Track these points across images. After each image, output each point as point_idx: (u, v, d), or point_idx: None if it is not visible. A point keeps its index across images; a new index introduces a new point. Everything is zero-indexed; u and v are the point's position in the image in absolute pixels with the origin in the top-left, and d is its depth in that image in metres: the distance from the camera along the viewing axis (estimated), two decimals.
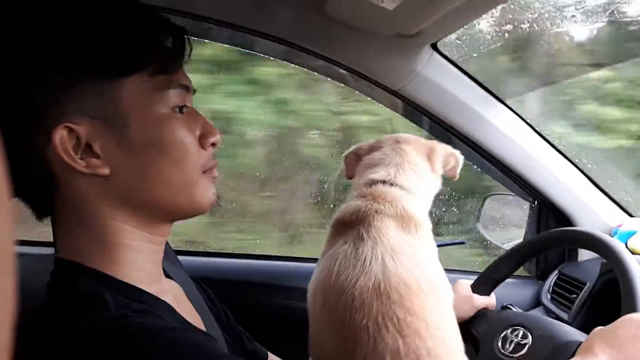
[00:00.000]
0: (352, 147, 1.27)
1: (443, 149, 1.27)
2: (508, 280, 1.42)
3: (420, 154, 1.21)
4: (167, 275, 0.96)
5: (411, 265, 0.95)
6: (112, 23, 0.76)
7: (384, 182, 1.12)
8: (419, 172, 1.18)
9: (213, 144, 0.87)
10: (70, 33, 0.73)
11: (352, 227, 1.03)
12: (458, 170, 1.29)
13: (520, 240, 1.91)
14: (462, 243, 1.77)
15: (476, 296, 1.34)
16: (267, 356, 1.22)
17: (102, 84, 0.75)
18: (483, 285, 1.37)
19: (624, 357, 0.88)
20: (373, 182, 1.12)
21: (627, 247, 1.60)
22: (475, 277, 1.43)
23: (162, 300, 0.81)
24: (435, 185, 1.24)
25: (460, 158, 1.29)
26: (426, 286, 0.93)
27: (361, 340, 0.84)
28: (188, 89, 0.85)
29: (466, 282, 1.39)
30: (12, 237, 0.27)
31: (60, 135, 0.72)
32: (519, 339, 1.17)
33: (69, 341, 0.67)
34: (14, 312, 0.27)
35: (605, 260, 1.17)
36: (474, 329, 1.27)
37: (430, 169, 1.22)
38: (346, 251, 0.97)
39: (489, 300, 1.35)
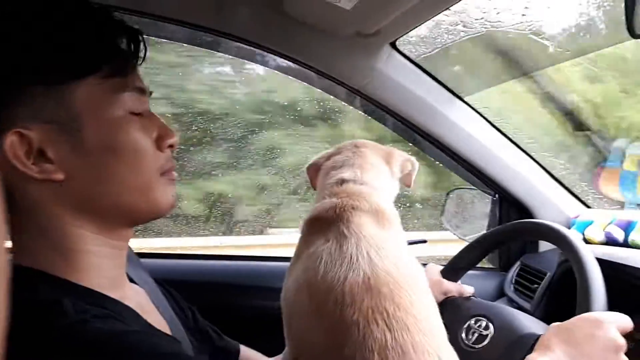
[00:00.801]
0: (312, 159, 1.29)
1: (400, 154, 1.29)
2: (472, 272, 1.45)
3: (379, 157, 1.24)
4: (131, 280, 0.95)
5: (394, 259, 0.96)
6: (64, 25, 0.75)
7: (353, 181, 1.13)
8: (380, 173, 1.21)
9: (170, 146, 0.86)
10: (19, 35, 0.71)
11: (329, 224, 1.03)
12: (413, 177, 1.31)
13: (484, 232, 1.95)
14: (424, 242, 1.80)
15: (445, 282, 1.35)
16: (238, 350, 1.22)
17: (53, 88, 0.73)
18: (450, 272, 1.40)
19: (580, 354, 0.90)
20: (343, 181, 1.13)
21: (584, 237, 1.65)
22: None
23: (126, 305, 0.80)
24: (395, 188, 1.26)
25: (416, 165, 1.31)
26: (411, 280, 0.94)
27: (351, 335, 0.84)
28: (143, 91, 0.84)
29: (436, 267, 1.40)
30: (4, 249, 0.27)
31: (10, 141, 0.71)
32: (482, 329, 1.19)
33: (28, 350, 0.65)
34: (5, 322, 0.27)
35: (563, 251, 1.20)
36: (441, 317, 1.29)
37: (390, 172, 1.24)
38: (330, 249, 0.97)
39: (460, 287, 1.36)
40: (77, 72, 0.74)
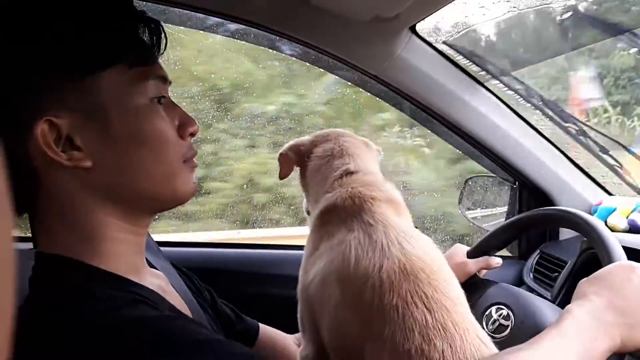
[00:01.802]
0: (288, 145, 1.27)
1: (372, 144, 1.31)
2: None
3: (362, 145, 1.26)
4: (151, 266, 0.97)
5: (422, 244, 0.97)
6: (88, 17, 0.77)
7: (362, 172, 1.13)
8: (375, 162, 1.24)
9: (191, 134, 0.89)
10: (46, 28, 0.74)
11: (349, 215, 1.03)
12: None
13: (502, 220, 1.93)
14: None
15: (470, 262, 1.36)
16: (258, 328, 1.24)
17: (81, 78, 0.76)
18: (477, 253, 1.39)
19: (620, 298, 0.86)
20: (351, 172, 1.13)
21: (606, 224, 1.62)
22: None
23: (151, 289, 0.82)
24: None
25: (381, 155, 1.33)
26: (441, 264, 0.95)
27: (391, 319, 0.85)
28: (165, 79, 0.86)
29: (463, 247, 1.40)
30: (12, 237, 0.27)
31: (41, 129, 0.73)
32: (502, 319, 1.18)
33: (62, 337, 0.66)
34: (13, 313, 0.27)
35: (585, 238, 1.18)
36: None
37: (373, 160, 1.26)
38: (358, 238, 0.97)
39: (486, 260, 1.36)
40: (102, 62, 0.77)
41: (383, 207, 1.03)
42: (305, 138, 1.28)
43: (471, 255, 1.38)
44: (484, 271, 1.41)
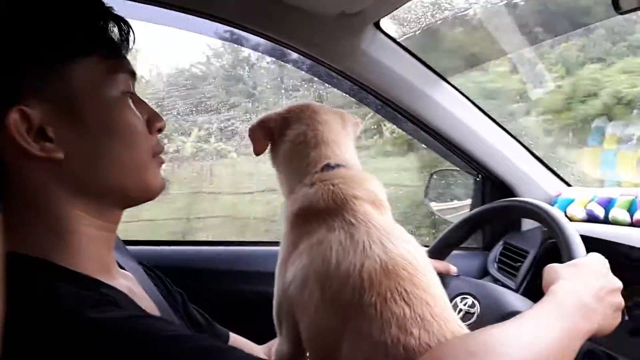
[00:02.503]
0: (257, 120, 1.19)
1: (349, 116, 1.24)
2: (456, 252, 1.47)
3: (338, 123, 1.19)
4: (120, 266, 0.96)
5: (404, 243, 0.95)
6: (60, 8, 0.77)
7: (341, 165, 1.09)
8: (350, 145, 1.18)
9: (159, 130, 0.90)
10: (20, 17, 0.74)
11: (330, 213, 1.00)
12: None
13: (467, 212, 1.97)
14: None
15: (432, 261, 1.36)
16: (228, 336, 1.22)
17: (53, 68, 0.76)
18: (436, 251, 1.41)
19: (598, 287, 0.90)
20: (329, 166, 1.09)
21: (565, 215, 1.68)
22: None
23: (118, 290, 0.81)
24: None
25: (361, 127, 1.27)
26: (422, 262, 0.94)
27: (368, 316, 0.85)
28: (134, 74, 0.87)
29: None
30: (1, 242, 0.26)
31: (13, 118, 0.72)
32: (468, 307, 1.21)
33: (26, 339, 0.64)
34: (2, 312, 0.26)
35: (546, 229, 1.22)
36: None
37: (350, 138, 1.20)
38: (339, 238, 0.95)
39: (447, 266, 1.36)
40: (74, 52, 0.77)
41: (365, 206, 1.01)
42: (275, 113, 1.19)
43: (432, 253, 1.39)
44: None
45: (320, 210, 1.02)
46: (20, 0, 0.75)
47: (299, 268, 0.98)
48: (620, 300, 0.94)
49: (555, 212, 1.19)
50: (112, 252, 0.91)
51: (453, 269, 1.37)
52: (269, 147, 1.19)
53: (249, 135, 1.19)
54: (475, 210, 1.44)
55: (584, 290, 0.88)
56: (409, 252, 0.93)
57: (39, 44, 0.75)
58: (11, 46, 0.73)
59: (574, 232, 1.10)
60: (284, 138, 1.15)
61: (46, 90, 0.75)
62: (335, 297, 0.90)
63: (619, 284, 0.95)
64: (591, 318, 0.85)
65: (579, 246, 1.06)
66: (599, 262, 0.99)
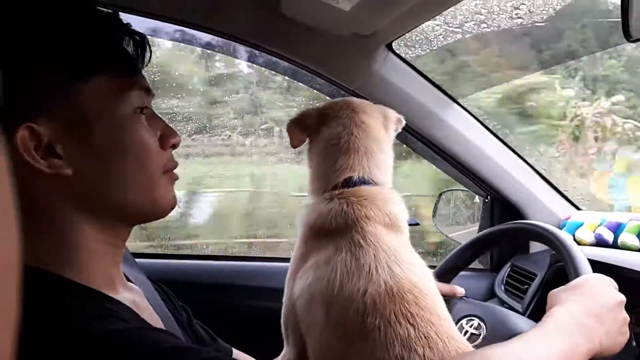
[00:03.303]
0: (295, 116, 1.16)
1: (392, 114, 1.20)
2: (463, 273, 1.47)
3: (379, 124, 1.14)
4: (126, 279, 0.95)
5: (412, 266, 0.94)
6: (73, 26, 0.77)
7: (364, 181, 1.06)
8: (385, 154, 1.13)
9: (173, 145, 0.89)
10: (32, 35, 0.74)
11: (340, 233, 0.99)
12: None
13: (475, 234, 1.96)
14: (417, 224, 1.76)
15: (438, 284, 1.36)
16: (231, 353, 1.22)
17: (65, 85, 0.75)
18: (442, 274, 1.41)
19: (598, 307, 0.91)
20: (351, 182, 1.06)
21: (574, 238, 1.67)
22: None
23: (123, 304, 0.81)
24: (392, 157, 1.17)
25: (403, 122, 1.23)
26: (429, 284, 0.94)
27: (372, 338, 0.85)
28: (149, 91, 0.87)
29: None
30: (18, 243, 0.27)
31: (21, 135, 0.72)
32: (473, 329, 1.21)
33: (32, 353, 0.65)
34: (17, 321, 0.27)
35: (554, 252, 1.22)
36: None
37: (389, 141, 1.16)
38: (345, 260, 0.93)
39: (452, 288, 1.35)
40: (86, 71, 0.77)
41: (377, 227, 0.99)
42: (314, 108, 1.16)
43: (438, 275, 1.37)
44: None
45: (331, 228, 1.00)
46: (31, 17, 0.75)
47: (305, 284, 0.98)
48: (625, 316, 0.95)
49: (562, 234, 1.19)
50: (119, 267, 0.90)
51: (460, 291, 1.36)
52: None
53: (287, 129, 1.16)
54: (482, 232, 1.44)
55: (582, 310, 0.90)
56: (416, 275, 0.93)
57: (49, 62, 0.75)
58: (21, 63, 0.73)
59: (580, 252, 1.11)
60: (319, 136, 1.12)
61: (56, 107, 0.75)
62: (339, 320, 0.90)
63: (621, 298, 0.96)
64: (591, 337, 0.86)
65: (584, 266, 1.07)
66: (599, 281, 0.99)
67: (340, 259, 0.94)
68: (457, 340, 0.88)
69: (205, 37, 1.54)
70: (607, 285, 0.98)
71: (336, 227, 1.00)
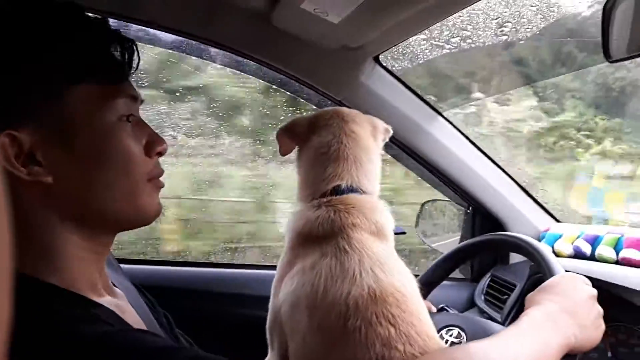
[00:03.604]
0: (285, 125, 1.17)
1: (380, 124, 1.21)
2: (444, 282, 1.48)
3: (368, 133, 1.16)
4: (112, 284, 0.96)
5: (396, 272, 0.95)
6: (58, 32, 0.76)
7: (352, 189, 1.07)
8: (373, 163, 1.15)
9: (159, 153, 0.88)
10: (16, 42, 0.73)
11: (326, 239, 1.00)
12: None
13: (456, 244, 1.99)
14: (403, 233, 1.78)
15: None
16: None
17: (48, 93, 0.75)
18: (420, 288, 1.42)
19: (571, 304, 0.95)
20: (340, 190, 1.07)
21: (553, 250, 1.71)
22: None
23: (107, 308, 0.80)
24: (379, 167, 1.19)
25: (391, 132, 1.24)
26: (412, 290, 0.95)
27: (352, 341, 0.85)
28: (135, 98, 0.86)
29: None
30: (9, 247, 0.27)
31: (2, 143, 0.71)
32: (454, 338, 1.23)
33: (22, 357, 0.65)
34: (8, 326, 0.27)
35: (533, 263, 1.25)
36: None
37: (377, 150, 1.17)
38: (329, 265, 0.94)
39: (427, 304, 1.37)
40: (70, 79, 0.76)
41: (363, 234, 1.01)
42: (304, 117, 1.17)
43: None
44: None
45: (317, 235, 1.01)
46: (14, 25, 0.74)
47: (290, 290, 0.99)
48: (598, 309, 0.99)
49: (540, 245, 1.22)
50: (103, 272, 0.90)
51: (432, 309, 1.38)
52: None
53: (277, 137, 1.17)
54: (462, 243, 1.47)
55: (556, 308, 0.93)
56: (400, 281, 0.94)
57: (33, 69, 0.74)
58: (4, 71, 0.72)
59: (556, 261, 1.15)
60: (309, 144, 1.13)
61: (38, 114, 0.74)
62: (322, 324, 0.90)
63: (593, 292, 1.00)
64: (565, 333, 0.90)
65: (557, 268, 1.11)
66: (571, 279, 1.03)
67: (325, 263, 0.95)
68: (436, 340, 0.89)
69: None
70: (579, 282, 1.02)
71: (323, 233, 1.01)
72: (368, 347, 0.85)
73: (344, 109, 1.18)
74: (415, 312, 0.91)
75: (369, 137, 1.15)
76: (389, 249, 1.04)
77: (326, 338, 0.90)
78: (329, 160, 1.09)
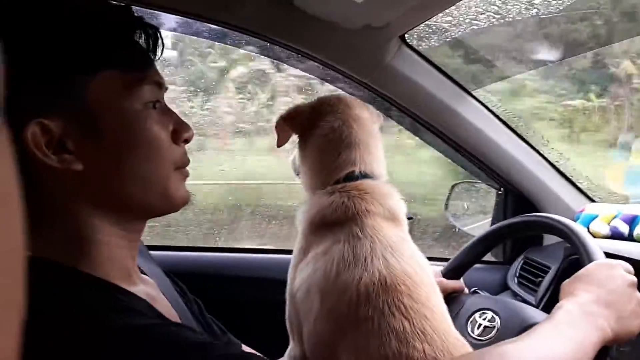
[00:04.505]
0: (286, 112, 1.16)
1: (374, 110, 1.23)
2: (476, 265, 1.46)
3: (370, 119, 1.17)
4: (141, 272, 0.96)
5: (409, 259, 0.96)
6: (82, 20, 0.77)
7: (364, 175, 1.08)
8: (379, 147, 1.15)
9: (185, 140, 0.88)
10: (41, 30, 0.73)
11: (339, 224, 1.01)
12: None
13: (488, 226, 1.96)
14: (410, 219, 1.75)
15: (445, 280, 1.36)
16: (241, 348, 1.22)
17: (73, 81, 0.75)
18: (453, 270, 1.40)
19: (606, 293, 0.91)
20: (353, 176, 1.08)
21: (589, 231, 1.66)
22: (437, 264, 1.45)
23: (138, 297, 0.81)
24: None
25: (382, 120, 1.25)
26: (425, 278, 0.95)
27: (365, 329, 0.86)
28: (161, 85, 0.86)
29: (435, 269, 1.41)
30: (23, 237, 0.27)
31: (32, 131, 0.72)
32: (487, 322, 1.21)
33: (49, 344, 0.64)
34: (22, 316, 0.27)
35: (568, 245, 1.21)
36: None
37: (379, 134, 1.18)
38: (342, 251, 0.95)
39: (458, 284, 1.37)
40: (95, 65, 0.77)
41: (376, 219, 1.01)
42: (305, 104, 1.17)
43: (447, 273, 1.39)
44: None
45: (330, 221, 1.02)
46: (39, 13, 0.74)
47: (304, 276, 1.00)
48: (638, 297, 0.95)
49: (575, 225, 1.18)
50: (135, 260, 0.90)
51: (461, 286, 1.38)
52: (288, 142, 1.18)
53: (276, 127, 1.15)
54: (494, 226, 1.44)
55: (591, 298, 0.90)
56: (412, 267, 0.94)
57: (59, 57, 0.74)
58: (30, 59, 0.73)
59: (592, 240, 1.10)
60: (316, 131, 1.12)
61: (66, 103, 0.75)
62: (333, 309, 0.91)
63: (632, 279, 0.96)
64: (600, 326, 0.86)
65: (596, 253, 1.06)
66: (608, 266, 0.99)
67: (337, 249, 0.96)
68: (453, 336, 0.89)
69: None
70: (617, 270, 0.98)
71: (336, 219, 1.01)
72: (382, 340, 0.84)
73: (347, 95, 1.20)
74: (427, 300, 0.90)
75: (372, 122, 1.16)
76: (402, 234, 1.04)
77: (336, 324, 0.90)
78: (341, 146, 1.09)
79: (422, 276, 0.94)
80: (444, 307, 0.95)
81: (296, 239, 1.10)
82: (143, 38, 0.84)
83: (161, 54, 0.88)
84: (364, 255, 0.94)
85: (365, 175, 1.08)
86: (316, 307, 0.94)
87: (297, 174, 1.23)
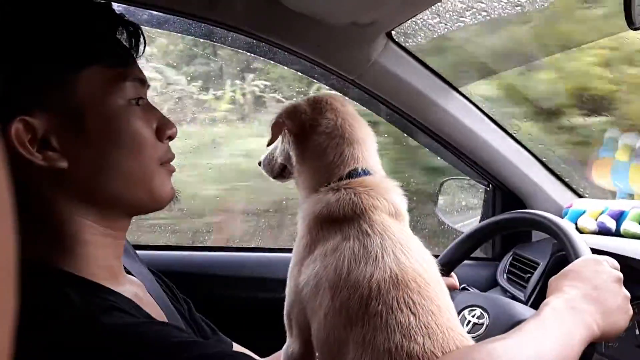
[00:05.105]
0: (285, 111, 1.14)
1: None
2: (465, 262, 1.46)
3: (362, 123, 1.16)
4: (127, 272, 0.96)
5: (418, 256, 0.96)
6: (65, 17, 0.77)
7: (367, 172, 1.08)
8: (375, 143, 1.16)
9: (169, 137, 0.88)
10: (24, 26, 0.73)
11: (348, 221, 1.00)
12: None
13: (477, 222, 1.96)
14: None
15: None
16: (231, 347, 1.22)
17: (57, 77, 0.75)
18: (442, 267, 1.40)
19: (592, 289, 0.92)
20: (356, 173, 1.07)
21: (576, 226, 1.67)
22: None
23: (124, 296, 0.81)
24: None
25: None
26: (434, 275, 0.96)
27: (373, 324, 0.86)
28: (143, 82, 0.86)
29: None
30: (13, 237, 0.27)
31: (15, 128, 0.72)
32: (476, 319, 1.21)
33: (36, 343, 0.65)
34: (14, 315, 0.27)
35: (556, 241, 1.21)
36: None
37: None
38: (353, 248, 0.95)
39: (450, 280, 1.36)
40: (79, 63, 0.77)
41: (383, 216, 1.01)
42: (302, 102, 1.15)
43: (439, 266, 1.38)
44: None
45: (338, 218, 1.02)
46: (23, 9, 0.75)
47: (312, 273, 0.99)
48: (625, 293, 0.96)
49: (562, 222, 1.19)
50: (120, 259, 0.90)
51: (453, 283, 1.36)
52: (285, 140, 1.17)
53: (274, 126, 1.13)
54: (482, 223, 1.44)
55: (578, 295, 0.91)
56: (421, 265, 0.94)
57: (42, 54, 0.74)
58: (14, 56, 0.73)
59: (579, 237, 1.11)
60: (318, 129, 1.11)
61: (50, 100, 0.75)
62: (344, 305, 0.91)
63: (618, 275, 0.97)
64: (587, 322, 0.87)
65: (582, 249, 1.07)
66: (595, 262, 1.00)
67: (348, 246, 0.96)
68: (458, 332, 0.89)
69: None
70: (603, 266, 0.98)
71: (344, 216, 1.01)
72: (388, 334, 0.84)
73: (337, 93, 1.21)
74: (435, 298, 0.90)
75: (364, 126, 1.16)
76: (406, 229, 1.05)
77: (347, 319, 0.90)
78: (344, 143, 1.09)
79: (431, 274, 0.95)
80: (451, 303, 0.95)
81: (297, 236, 1.09)
82: (125, 35, 0.85)
83: (143, 51, 0.88)
84: (374, 251, 0.94)
85: (366, 172, 1.09)
86: (327, 303, 0.94)
87: (275, 176, 1.23)
